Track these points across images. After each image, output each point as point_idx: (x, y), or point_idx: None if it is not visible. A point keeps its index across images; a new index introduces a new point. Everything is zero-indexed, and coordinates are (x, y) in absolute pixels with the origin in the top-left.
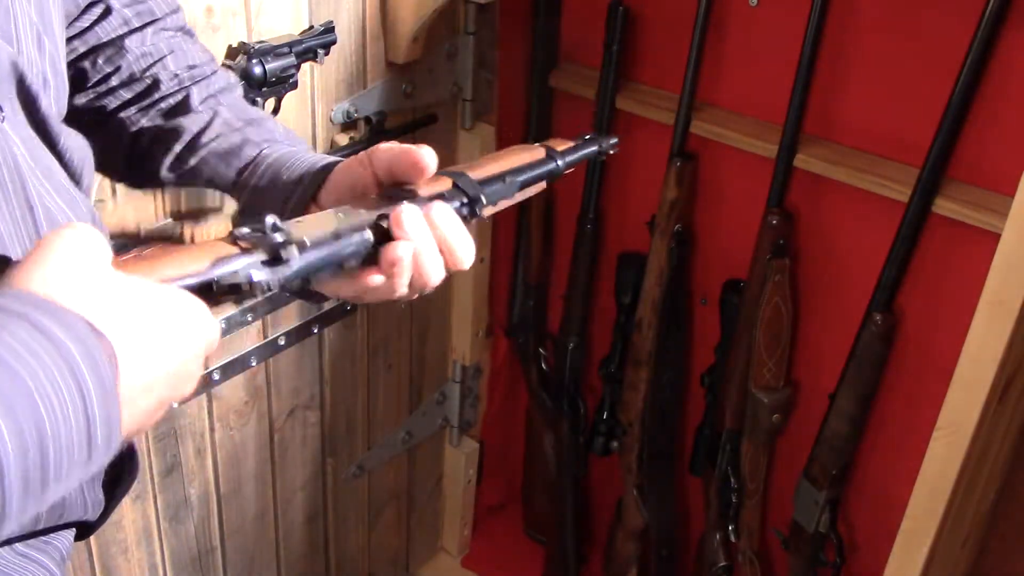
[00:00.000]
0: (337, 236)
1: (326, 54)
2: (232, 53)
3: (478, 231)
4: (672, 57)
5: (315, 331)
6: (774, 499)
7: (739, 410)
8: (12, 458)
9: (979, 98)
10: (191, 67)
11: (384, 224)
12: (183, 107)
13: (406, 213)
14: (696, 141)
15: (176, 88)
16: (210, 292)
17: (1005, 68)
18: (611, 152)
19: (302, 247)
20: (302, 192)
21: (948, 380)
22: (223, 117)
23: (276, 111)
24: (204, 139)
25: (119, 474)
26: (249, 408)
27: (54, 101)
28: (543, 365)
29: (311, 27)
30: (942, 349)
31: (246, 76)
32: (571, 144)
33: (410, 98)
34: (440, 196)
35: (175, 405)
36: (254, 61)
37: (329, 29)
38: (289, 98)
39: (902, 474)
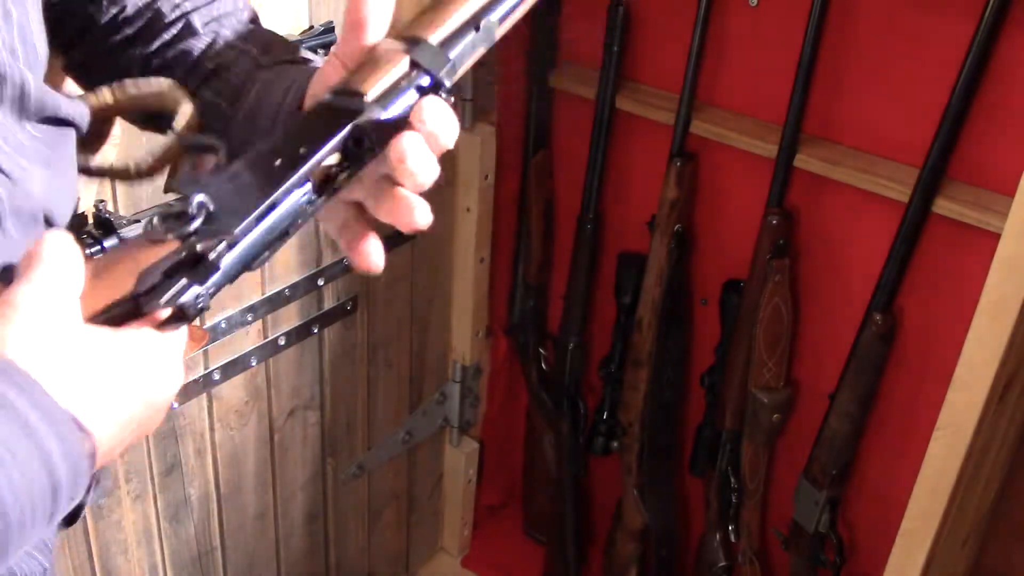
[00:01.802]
0: (270, 200)
1: (326, 54)
2: None
3: (478, 230)
4: (672, 57)
5: (315, 331)
6: (774, 499)
7: (739, 410)
8: None
9: (979, 98)
10: None
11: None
12: (185, 32)
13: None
14: (696, 141)
15: (178, 16)
16: (141, 312)
17: (1005, 68)
18: None
19: (231, 240)
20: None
21: (948, 380)
22: (225, 38)
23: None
24: (208, 62)
25: None
26: (249, 408)
27: (26, 70)
28: (543, 365)
29: (311, 27)
30: (942, 349)
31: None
32: None
33: None
34: (392, 89)
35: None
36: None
37: (329, 29)
38: None
39: (902, 474)
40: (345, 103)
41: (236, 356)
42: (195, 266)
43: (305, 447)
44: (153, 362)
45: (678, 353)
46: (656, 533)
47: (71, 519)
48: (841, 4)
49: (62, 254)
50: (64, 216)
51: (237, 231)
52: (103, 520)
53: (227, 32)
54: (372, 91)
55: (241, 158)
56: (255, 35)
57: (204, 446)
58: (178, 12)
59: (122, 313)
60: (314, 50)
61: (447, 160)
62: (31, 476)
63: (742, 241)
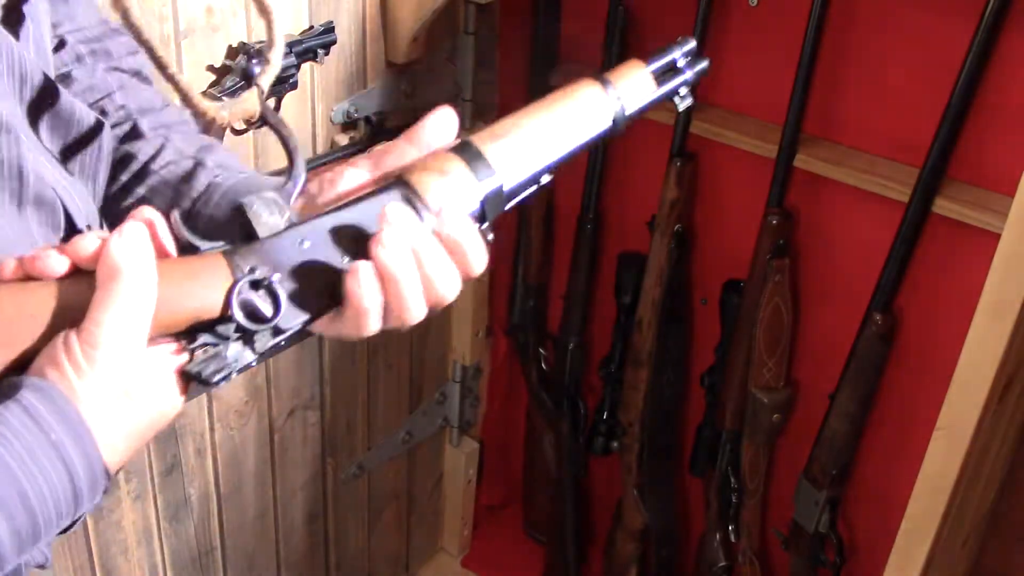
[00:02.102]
0: (313, 274)
1: (326, 54)
2: (232, 53)
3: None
4: None
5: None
6: (774, 499)
7: (739, 410)
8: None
9: (979, 98)
10: (140, 103)
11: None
12: (132, 135)
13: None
14: (696, 141)
15: (123, 119)
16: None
17: (1005, 68)
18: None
19: (277, 333)
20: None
21: (948, 380)
22: (175, 144)
23: (276, 111)
24: (154, 166)
25: None
26: (249, 408)
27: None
28: (543, 365)
29: (311, 27)
30: (942, 349)
31: (246, 76)
32: (648, 95)
33: (410, 98)
34: None
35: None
36: (254, 61)
37: (329, 29)
38: (289, 98)
39: (902, 474)
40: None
41: None
42: (240, 336)
43: (305, 447)
44: (170, 385)
45: (678, 353)
46: (656, 533)
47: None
48: (841, 4)
49: (140, 270)
50: (88, 216)
51: (288, 328)
52: (103, 520)
53: (177, 139)
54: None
55: (311, 223)
56: (208, 148)
57: (204, 446)
58: (122, 113)
59: (163, 339)
60: (314, 50)
61: None
62: (59, 496)
63: (742, 241)
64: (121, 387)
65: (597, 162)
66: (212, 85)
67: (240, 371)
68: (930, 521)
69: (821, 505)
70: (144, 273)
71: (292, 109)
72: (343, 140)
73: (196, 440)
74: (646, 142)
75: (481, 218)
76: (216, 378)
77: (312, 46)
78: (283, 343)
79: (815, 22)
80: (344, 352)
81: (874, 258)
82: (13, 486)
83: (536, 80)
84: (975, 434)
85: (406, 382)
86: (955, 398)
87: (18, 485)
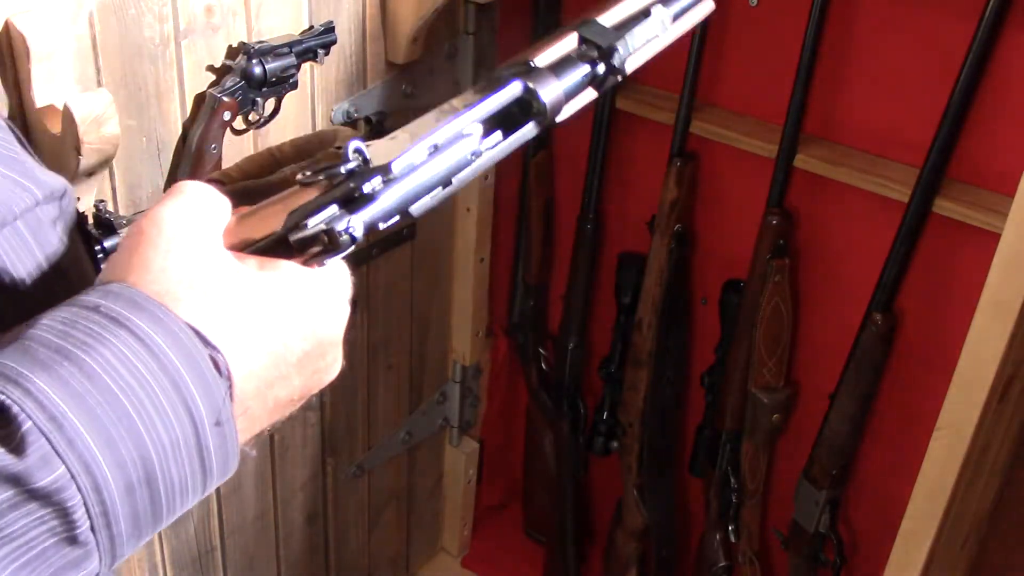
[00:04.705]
0: (435, 148)
1: (326, 54)
2: (232, 53)
3: (478, 230)
4: (672, 57)
5: None
6: (774, 499)
7: (739, 410)
8: (118, 499)
9: (979, 98)
10: None
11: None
12: None
13: None
14: (696, 141)
15: None
16: (290, 250)
17: (1005, 68)
18: None
19: (386, 174)
20: None
21: (948, 380)
22: None
23: (276, 111)
24: None
25: None
26: None
27: None
28: (543, 365)
29: (311, 27)
30: (942, 349)
31: (246, 76)
32: None
33: (410, 98)
34: (565, 60)
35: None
36: (254, 61)
37: (329, 29)
38: (289, 98)
39: (902, 474)
40: (513, 68)
41: None
42: (348, 203)
43: (305, 447)
44: (308, 292)
45: (678, 353)
46: (656, 533)
47: None
48: (841, 4)
49: (207, 187)
50: None
51: (393, 164)
52: None
53: None
54: (539, 58)
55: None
56: None
57: None
58: None
59: (269, 248)
60: (314, 50)
61: None
62: (162, 402)
63: (742, 241)
64: (221, 286)
65: (597, 162)
66: (212, 85)
67: (370, 224)
68: (930, 521)
69: (821, 505)
70: (211, 188)
71: (292, 109)
72: None
73: None
74: (646, 142)
75: (608, 63)
76: (345, 229)
77: (312, 46)
78: (426, 194)
79: (815, 22)
80: (344, 352)
81: (874, 258)
82: (130, 436)
83: None
84: (975, 434)
85: (406, 382)
86: (955, 398)
87: (135, 436)
